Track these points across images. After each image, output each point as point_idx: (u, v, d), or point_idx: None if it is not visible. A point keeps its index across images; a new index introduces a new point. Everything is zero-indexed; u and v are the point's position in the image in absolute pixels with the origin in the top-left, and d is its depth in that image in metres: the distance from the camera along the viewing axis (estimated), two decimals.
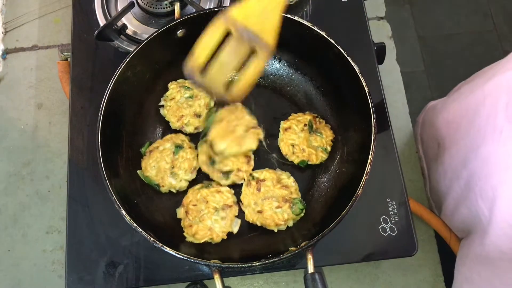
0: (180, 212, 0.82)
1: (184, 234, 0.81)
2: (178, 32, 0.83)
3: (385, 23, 1.08)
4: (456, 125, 0.90)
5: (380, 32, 1.08)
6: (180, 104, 0.87)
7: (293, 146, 0.86)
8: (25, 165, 0.96)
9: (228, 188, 0.84)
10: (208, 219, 0.81)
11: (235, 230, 0.82)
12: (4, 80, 1.02)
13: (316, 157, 0.85)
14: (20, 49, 1.05)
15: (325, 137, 0.87)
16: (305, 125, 0.86)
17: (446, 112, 0.97)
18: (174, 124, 0.87)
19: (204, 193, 0.82)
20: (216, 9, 0.82)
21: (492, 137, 0.78)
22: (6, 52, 1.05)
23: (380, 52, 0.97)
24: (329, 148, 0.86)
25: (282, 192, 0.82)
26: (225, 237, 0.81)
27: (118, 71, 0.79)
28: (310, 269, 0.68)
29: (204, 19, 0.82)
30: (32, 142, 0.98)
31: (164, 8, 0.95)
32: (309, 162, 0.85)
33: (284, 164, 0.87)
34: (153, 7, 0.94)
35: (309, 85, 0.91)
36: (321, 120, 0.88)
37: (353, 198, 0.71)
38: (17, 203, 0.94)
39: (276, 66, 0.93)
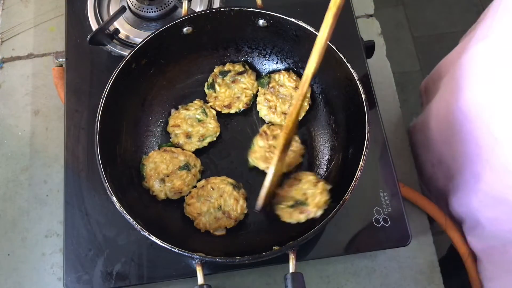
0: (185, 210, 0.84)
1: None
2: (184, 29, 0.86)
3: (374, 20, 1.10)
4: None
5: (370, 29, 1.09)
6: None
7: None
8: (23, 170, 0.98)
9: (230, 185, 0.84)
10: (209, 215, 0.82)
11: (241, 217, 0.83)
12: (1, 88, 1.04)
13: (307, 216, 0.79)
14: (16, 57, 1.07)
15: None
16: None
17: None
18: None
19: (206, 189, 0.84)
20: (222, 8, 0.84)
21: None
22: (3, 61, 1.07)
23: (369, 49, 0.98)
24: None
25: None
26: (224, 233, 0.82)
27: (122, 62, 0.80)
28: (291, 269, 0.69)
29: (211, 17, 0.85)
30: (29, 148, 0.99)
31: (155, 12, 0.97)
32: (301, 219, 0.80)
33: None
34: (144, 11, 0.96)
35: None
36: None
37: (341, 202, 0.72)
38: (16, 208, 0.95)
39: (274, 67, 0.95)
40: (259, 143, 0.86)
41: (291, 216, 0.78)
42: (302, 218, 0.77)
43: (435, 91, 0.99)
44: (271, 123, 0.91)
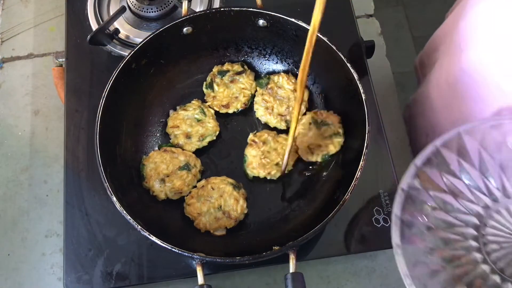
0: (185, 210, 0.84)
1: None
2: (184, 30, 0.86)
3: (374, 20, 1.10)
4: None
5: (370, 29, 1.09)
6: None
7: (309, 147, 0.86)
8: (23, 170, 0.98)
9: (230, 185, 0.84)
10: (209, 215, 0.82)
11: (241, 217, 0.83)
12: (1, 88, 1.04)
13: (334, 146, 0.85)
14: (16, 57, 1.07)
15: (332, 123, 0.86)
16: (310, 123, 0.87)
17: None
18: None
19: (206, 189, 0.84)
20: (222, 9, 0.84)
21: None
22: (3, 61, 1.07)
23: (369, 49, 0.98)
24: (341, 131, 0.86)
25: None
26: (224, 233, 0.82)
27: (123, 62, 0.81)
28: (292, 268, 0.69)
29: (211, 17, 0.85)
30: (29, 148, 0.99)
31: (155, 12, 0.97)
32: (330, 153, 0.86)
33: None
34: (144, 11, 0.96)
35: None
36: (321, 111, 0.88)
37: (341, 202, 0.72)
38: (16, 208, 0.95)
39: (274, 67, 0.95)
40: (251, 153, 0.86)
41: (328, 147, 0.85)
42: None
43: (432, 64, 1.02)
44: (267, 124, 0.91)
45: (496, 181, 0.77)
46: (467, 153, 0.77)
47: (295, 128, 0.76)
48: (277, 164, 0.85)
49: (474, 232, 0.75)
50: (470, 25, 0.84)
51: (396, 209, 0.68)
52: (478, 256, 0.73)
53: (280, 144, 0.87)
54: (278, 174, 0.86)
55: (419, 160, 0.74)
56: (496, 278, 0.71)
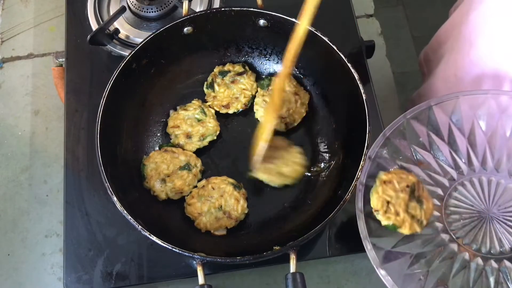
0: (186, 210, 0.84)
1: None
2: (185, 29, 0.86)
3: (374, 20, 1.10)
4: None
5: (370, 29, 1.09)
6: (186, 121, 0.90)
7: (388, 203, 0.72)
8: (23, 170, 0.98)
9: (230, 185, 0.84)
10: (210, 215, 0.82)
11: (242, 217, 0.83)
12: (1, 88, 1.04)
13: (410, 227, 0.72)
14: (16, 57, 1.07)
15: (425, 208, 0.74)
16: (407, 186, 0.73)
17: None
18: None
19: (207, 189, 0.84)
20: (222, 9, 0.85)
21: None
22: (3, 61, 1.07)
23: (369, 49, 0.99)
24: (425, 222, 0.73)
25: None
26: (225, 233, 0.82)
27: (123, 62, 0.81)
28: (292, 268, 0.69)
29: (211, 17, 0.85)
30: (29, 148, 0.99)
31: (155, 12, 0.97)
32: (399, 230, 0.73)
33: None
34: (144, 11, 0.96)
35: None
36: (423, 187, 0.77)
37: (341, 202, 0.72)
38: (16, 208, 0.95)
39: (275, 67, 0.94)
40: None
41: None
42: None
43: (438, 58, 1.02)
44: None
45: (463, 154, 0.80)
46: (437, 126, 0.80)
47: None
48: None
49: (438, 203, 0.78)
50: (481, 17, 0.84)
51: (362, 177, 0.74)
52: (439, 225, 0.76)
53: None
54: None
55: (388, 130, 0.77)
56: (454, 246, 0.75)
